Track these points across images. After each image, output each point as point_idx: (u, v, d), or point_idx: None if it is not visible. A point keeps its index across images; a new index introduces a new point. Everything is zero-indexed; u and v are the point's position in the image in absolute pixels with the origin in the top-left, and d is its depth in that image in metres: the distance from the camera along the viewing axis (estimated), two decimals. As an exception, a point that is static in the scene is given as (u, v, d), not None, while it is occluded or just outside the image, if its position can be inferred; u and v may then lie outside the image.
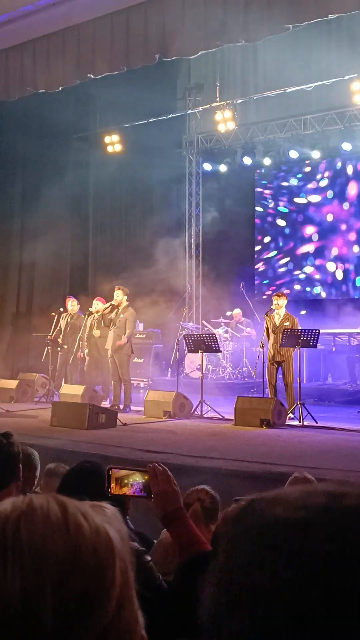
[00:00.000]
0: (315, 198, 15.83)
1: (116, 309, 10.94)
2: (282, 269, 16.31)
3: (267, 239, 16.66)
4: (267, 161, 15.33)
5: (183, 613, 2.63)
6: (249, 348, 13.67)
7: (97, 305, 11.75)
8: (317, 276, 15.69)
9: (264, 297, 16.05)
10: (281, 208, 16.42)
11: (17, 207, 14.60)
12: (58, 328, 12.07)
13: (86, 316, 11.74)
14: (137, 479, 2.20)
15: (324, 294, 15.54)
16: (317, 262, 15.72)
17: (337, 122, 14.30)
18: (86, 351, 11.64)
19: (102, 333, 11.47)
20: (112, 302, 11.01)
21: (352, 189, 15.29)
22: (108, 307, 10.94)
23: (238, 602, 0.66)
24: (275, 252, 16.48)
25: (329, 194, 15.61)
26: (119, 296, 10.94)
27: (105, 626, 0.78)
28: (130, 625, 0.82)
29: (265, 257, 16.62)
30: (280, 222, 16.40)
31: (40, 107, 14.13)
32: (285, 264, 16.29)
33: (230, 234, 16.62)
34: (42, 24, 10.06)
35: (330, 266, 15.50)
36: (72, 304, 12.36)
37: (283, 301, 10.31)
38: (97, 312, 11.65)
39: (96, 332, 11.49)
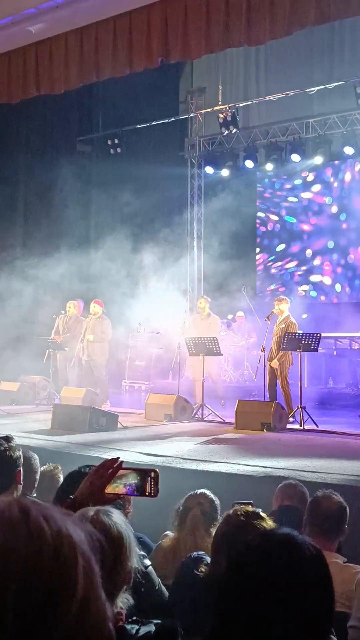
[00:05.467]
0: (316, 201, 15.84)
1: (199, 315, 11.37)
2: (284, 272, 16.32)
3: (268, 242, 16.67)
4: (269, 165, 15.34)
5: (183, 615, 2.63)
6: (250, 351, 13.67)
7: (95, 307, 11.75)
8: (319, 279, 15.69)
9: (266, 300, 16.06)
10: (283, 211, 16.42)
11: (20, 209, 14.63)
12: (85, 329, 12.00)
13: (86, 318, 11.75)
14: (130, 479, 2.23)
15: (325, 298, 15.54)
16: (319, 265, 15.72)
17: (339, 125, 14.31)
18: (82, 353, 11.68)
19: (96, 338, 11.50)
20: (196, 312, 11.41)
21: (354, 192, 15.30)
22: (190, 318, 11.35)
23: None
24: (276, 255, 16.49)
25: (331, 197, 15.62)
26: (202, 304, 11.50)
27: (70, 625, 0.82)
28: (97, 623, 0.86)
29: (266, 260, 16.63)
30: (282, 225, 16.41)
31: (43, 110, 14.17)
32: (287, 267, 16.29)
33: (232, 237, 16.60)
34: (44, 26, 10.07)
35: (332, 269, 15.50)
36: (72, 307, 12.47)
37: (284, 305, 10.33)
38: (95, 314, 11.67)
39: (89, 336, 11.49)
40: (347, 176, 15.43)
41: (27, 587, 0.80)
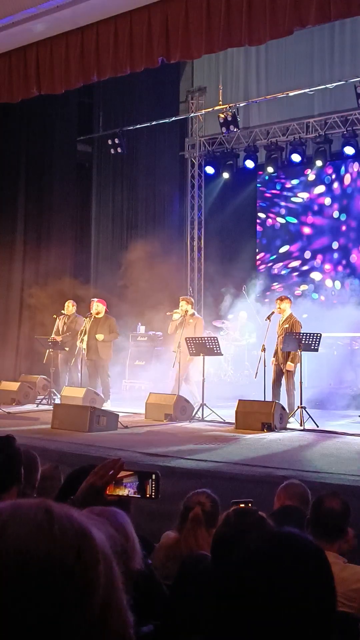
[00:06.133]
0: (316, 201, 15.84)
1: (183, 317, 11.17)
2: (284, 272, 16.31)
3: (269, 242, 16.67)
4: (269, 164, 15.33)
5: (184, 615, 2.63)
6: (251, 351, 13.66)
7: (98, 306, 11.74)
8: (319, 279, 15.69)
9: (266, 300, 16.06)
10: (283, 211, 16.43)
11: (20, 210, 14.62)
12: (83, 329, 11.90)
13: (87, 318, 11.74)
14: (131, 481, 2.23)
15: (325, 298, 15.53)
16: (319, 265, 15.72)
17: (340, 125, 14.31)
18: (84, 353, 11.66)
19: (106, 337, 11.50)
20: (177, 311, 11.30)
21: (354, 192, 15.30)
22: (181, 318, 11.20)
23: None
24: (277, 255, 16.49)
25: (331, 197, 15.62)
26: (184, 306, 11.23)
27: (90, 626, 0.81)
28: (118, 627, 0.85)
29: (267, 260, 16.63)
30: (282, 225, 16.42)
31: (43, 110, 14.17)
32: (287, 267, 16.29)
33: (232, 236, 16.64)
34: (45, 26, 10.07)
35: (333, 269, 15.50)
36: (70, 306, 12.49)
37: (286, 304, 10.33)
38: (98, 313, 11.66)
39: (99, 336, 11.46)
40: (348, 176, 15.43)
41: (49, 587, 0.81)
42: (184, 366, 10.99)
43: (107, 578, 0.85)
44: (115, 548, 0.91)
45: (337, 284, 15.44)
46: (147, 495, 2.23)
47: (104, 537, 0.88)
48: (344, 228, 15.41)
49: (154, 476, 2.24)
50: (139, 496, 2.23)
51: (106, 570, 0.86)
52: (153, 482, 2.23)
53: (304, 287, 15.83)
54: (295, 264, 16.16)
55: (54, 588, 0.81)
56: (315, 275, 15.78)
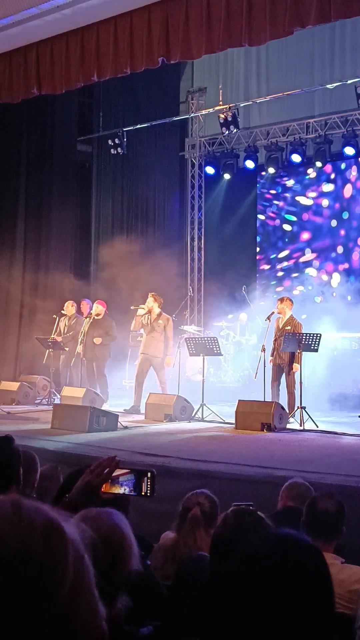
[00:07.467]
0: (316, 202, 15.83)
1: (148, 314, 11.06)
2: (284, 272, 16.31)
3: (269, 242, 16.66)
4: (269, 165, 15.33)
5: (183, 616, 2.63)
6: (251, 351, 13.66)
7: (97, 308, 11.74)
8: (319, 280, 15.68)
9: (265, 300, 16.05)
10: (283, 211, 16.42)
11: (20, 210, 14.61)
12: (82, 330, 11.92)
13: (87, 319, 11.73)
14: (127, 479, 2.23)
15: (325, 298, 15.52)
16: (319, 265, 15.71)
17: (340, 126, 14.31)
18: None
19: (102, 340, 11.50)
20: (142, 306, 11.18)
21: (354, 193, 15.29)
22: (145, 314, 11.09)
23: None
24: (277, 255, 16.48)
25: (331, 198, 15.61)
26: (150, 303, 11.07)
27: (57, 615, 0.82)
28: (87, 617, 0.87)
29: (267, 260, 16.62)
30: (283, 226, 16.41)
31: (44, 110, 14.18)
32: (287, 268, 16.29)
33: (233, 237, 16.63)
34: (45, 27, 10.07)
35: (333, 269, 15.49)
36: (70, 306, 12.51)
37: (286, 305, 10.31)
38: (98, 315, 11.65)
39: (97, 339, 11.44)
40: (348, 176, 15.43)
41: (15, 575, 0.82)
42: (158, 369, 10.99)
43: (76, 569, 0.87)
44: (86, 543, 0.92)
45: (337, 284, 15.43)
46: (143, 493, 2.23)
47: (75, 531, 0.90)
48: (344, 228, 15.40)
49: (149, 474, 2.24)
50: (135, 494, 2.23)
51: (76, 562, 0.87)
52: (149, 480, 2.24)
53: (301, 287, 15.83)
54: (295, 264, 16.15)
55: (22, 577, 0.82)
56: (315, 275, 15.76)
